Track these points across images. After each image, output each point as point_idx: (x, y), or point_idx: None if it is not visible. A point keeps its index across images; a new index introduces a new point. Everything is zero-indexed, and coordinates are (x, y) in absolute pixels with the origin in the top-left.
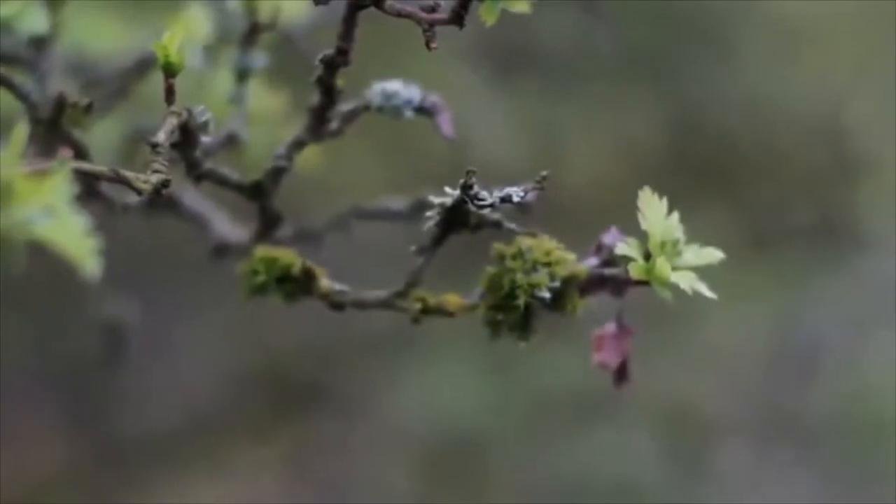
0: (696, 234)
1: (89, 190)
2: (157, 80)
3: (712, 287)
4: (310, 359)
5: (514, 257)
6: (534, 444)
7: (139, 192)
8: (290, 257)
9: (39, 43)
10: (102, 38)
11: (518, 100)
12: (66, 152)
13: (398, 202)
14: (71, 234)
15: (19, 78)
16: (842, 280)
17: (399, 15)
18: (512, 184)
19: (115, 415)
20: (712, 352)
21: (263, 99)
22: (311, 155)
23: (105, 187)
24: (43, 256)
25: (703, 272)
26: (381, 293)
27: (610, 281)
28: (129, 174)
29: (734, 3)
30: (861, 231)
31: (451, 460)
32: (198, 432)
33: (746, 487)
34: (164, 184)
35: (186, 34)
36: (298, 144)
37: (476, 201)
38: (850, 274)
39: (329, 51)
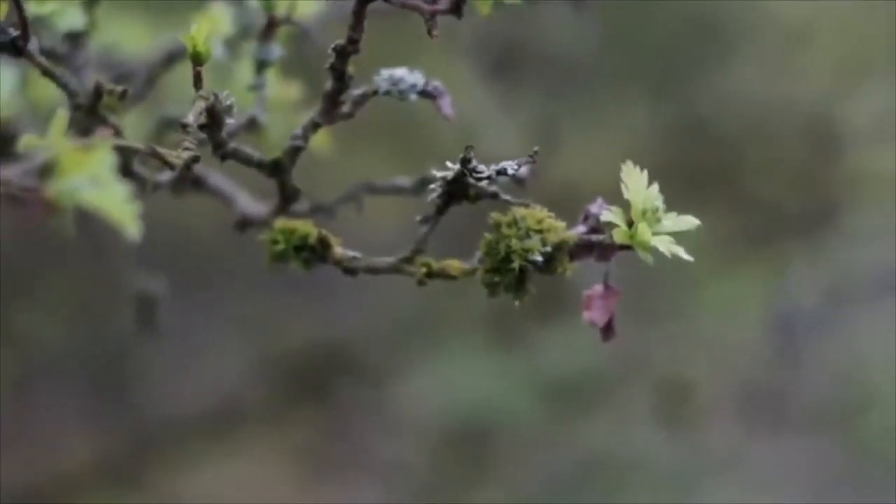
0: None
1: (124, 169)
2: (181, 75)
3: (708, 275)
4: (325, 348)
5: (509, 225)
6: (544, 426)
7: (172, 166)
8: (307, 227)
9: (75, 39)
10: (130, 37)
11: (516, 96)
12: (105, 131)
13: (405, 179)
14: (114, 200)
15: (59, 71)
16: (827, 268)
17: (404, 6)
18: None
19: (140, 401)
20: (709, 338)
21: (280, 88)
22: (324, 141)
23: (138, 168)
24: (72, 252)
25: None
26: (390, 259)
27: (597, 246)
28: (163, 150)
29: (732, 4)
30: (845, 222)
31: (465, 444)
32: (217, 418)
33: (741, 463)
34: (194, 159)
35: (211, 28)
36: (314, 126)
37: (474, 174)
38: (836, 262)
39: (340, 40)
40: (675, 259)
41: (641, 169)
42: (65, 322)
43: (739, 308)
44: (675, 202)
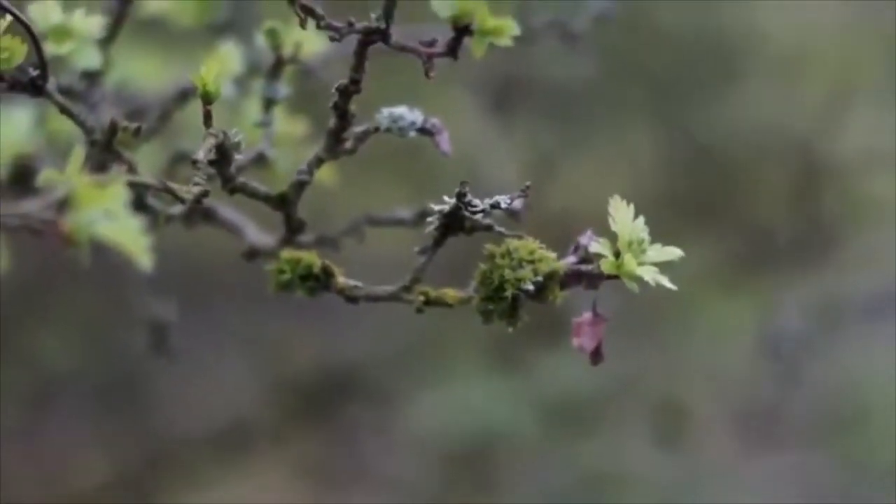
0: (686, 253)
1: (138, 203)
2: (194, 110)
3: (705, 297)
4: (332, 369)
5: (502, 256)
6: (545, 444)
7: (183, 201)
8: (311, 258)
9: (91, 77)
10: (144, 71)
11: (516, 124)
12: (120, 168)
13: (405, 211)
14: (128, 233)
15: (76, 108)
16: (821, 291)
17: (403, 49)
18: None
19: (151, 420)
20: (705, 359)
21: (287, 124)
22: (329, 175)
23: (151, 201)
24: (86, 276)
25: (698, 285)
26: (389, 288)
27: (585, 275)
28: (174, 185)
29: (729, 32)
30: (839, 247)
31: (468, 461)
32: (226, 437)
33: (737, 478)
34: (204, 194)
35: (221, 67)
36: (318, 161)
37: (469, 208)
38: (829, 286)
39: (343, 80)
40: (674, 282)
41: (641, 194)
42: (78, 343)
43: (735, 330)
44: (671, 227)
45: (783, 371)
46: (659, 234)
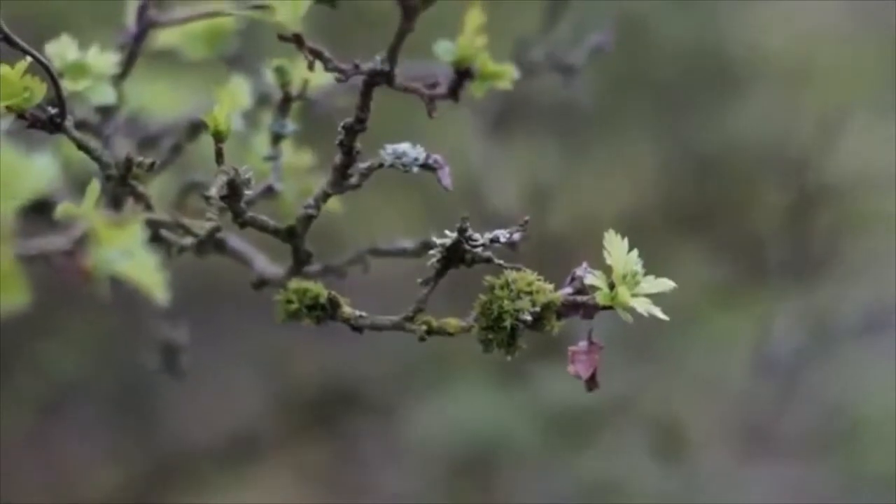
0: (684, 270)
1: (152, 235)
2: (204, 140)
3: (705, 311)
4: (337, 382)
5: (501, 287)
6: (546, 455)
7: (196, 236)
8: (318, 288)
9: (105, 111)
10: (156, 100)
11: (517, 144)
12: (136, 206)
13: (408, 242)
14: (145, 270)
15: (92, 142)
16: (819, 305)
17: (406, 90)
18: (508, 226)
19: (159, 431)
20: (703, 372)
21: (294, 156)
22: (333, 203)
23: (165, 233)
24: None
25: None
26: (393, 317)
27: (581, 306)
28: (187, 221)
29: (732, 47)
30: (836, 261)
31: (470, 471)
32: (233, 448)
33: (736, 489)
34: (216, 230)
35: (231, 104)
36: (325, 196)
37: (470, 242)
38: (828, 299)
39: (349, 119)
40: (673, 296)
41: (640, 208)
42: (88, 354)
43: (733, 343)
44: (671, 242)
45: (780, 384)
46: (658, 250)
